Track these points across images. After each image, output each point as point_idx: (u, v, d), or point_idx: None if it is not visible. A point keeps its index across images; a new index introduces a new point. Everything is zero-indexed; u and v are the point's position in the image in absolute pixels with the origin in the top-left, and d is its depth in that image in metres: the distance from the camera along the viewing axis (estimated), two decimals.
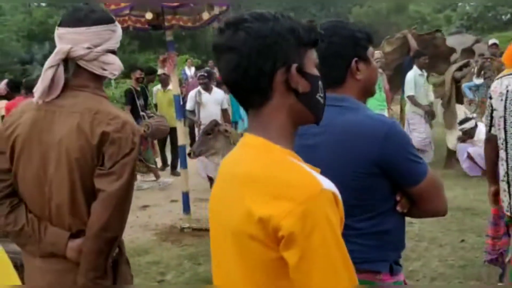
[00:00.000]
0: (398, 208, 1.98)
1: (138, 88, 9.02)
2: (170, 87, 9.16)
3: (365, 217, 1.93)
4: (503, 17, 30.12)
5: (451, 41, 17.91)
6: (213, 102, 8.43)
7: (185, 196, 6.45)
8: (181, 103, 8.24)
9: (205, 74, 8.59)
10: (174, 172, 9.72)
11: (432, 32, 11.82)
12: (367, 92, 2.08)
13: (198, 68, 10.50)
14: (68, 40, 2.10)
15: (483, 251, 4.35)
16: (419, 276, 4.62)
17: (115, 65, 2.17)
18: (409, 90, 8.91)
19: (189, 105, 8.51)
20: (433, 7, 33.77)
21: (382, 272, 1.95)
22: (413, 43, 10.07)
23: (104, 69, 2.15)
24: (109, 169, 2.05)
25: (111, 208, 2.04)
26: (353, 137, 1.91)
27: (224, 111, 8.53)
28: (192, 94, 8.54)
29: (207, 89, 8.42)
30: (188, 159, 6.46)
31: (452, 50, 11.46)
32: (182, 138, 6.53)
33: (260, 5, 39.19)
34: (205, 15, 5.57)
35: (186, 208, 6.46)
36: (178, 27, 6.20)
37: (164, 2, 5.48)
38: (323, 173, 1.94)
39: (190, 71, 15.97)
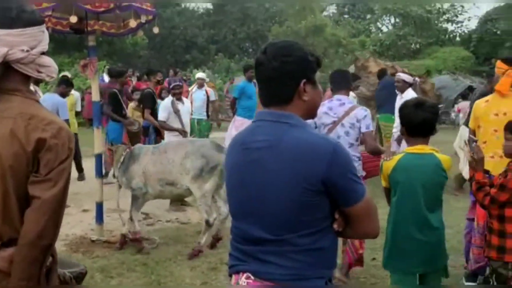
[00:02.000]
0: (335, 226, 2.03)
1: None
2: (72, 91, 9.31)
3: (304, 233, 1.97)
4: (412, 46, 31.72)
5: None
6: (186, 111, 8.44)
7: (99, 206, 6.25)
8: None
9: (181, 84, 8.54)
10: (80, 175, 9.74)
11: (423, 76, 12.18)
12: (310, 113, 2.13)
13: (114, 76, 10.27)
14: (4, 42, 1.99)
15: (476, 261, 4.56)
16: None
17: (51, 67, 2.09)
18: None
19: (162, 116, 8.16)
20: (348, 31, 34.98)
21: None
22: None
23: (40, 72, 2.06)
24: (44, 176, 1.97)
25: (47, 216, 1.96)
26: (302, 154, 1.95)
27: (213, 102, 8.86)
28: (166, 104, 8.25)
29: (180, 99, 8.34)
30: (103, 168, 6.28)
31: (440, 99, 11.74)
32: (98, 147, 6.35)
33: (180, 16, 39.08)
34: (132, 23, 5.48)
35: (99, 219, 6.27)
36: (101, 32, 6.06)
37: (88, 5, 5.32)
38: (267, 187, 1.98)
39: (108, 78, 15.58)
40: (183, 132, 8.05)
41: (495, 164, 4.10)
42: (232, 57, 35.63)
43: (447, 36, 32.79)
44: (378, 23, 38.93)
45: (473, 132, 4.76)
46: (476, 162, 3.71)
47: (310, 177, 1.93)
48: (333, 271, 2.13)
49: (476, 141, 3.86)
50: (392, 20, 36.25)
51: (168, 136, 8.16)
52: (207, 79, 13.58)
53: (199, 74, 11.94)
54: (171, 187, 5.90)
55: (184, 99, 8.65)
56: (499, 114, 4.51)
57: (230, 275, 2.15)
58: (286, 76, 2.04)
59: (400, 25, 32.85)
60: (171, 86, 8.45)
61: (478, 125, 4.70)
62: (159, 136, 8.65)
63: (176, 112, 8.10)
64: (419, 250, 3.41)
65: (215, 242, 6.00)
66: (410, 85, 8.23)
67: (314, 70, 2.10)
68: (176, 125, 8.12)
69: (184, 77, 20.40)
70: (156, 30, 5.66)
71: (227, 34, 39.61)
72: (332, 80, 5.02)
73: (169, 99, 8.32)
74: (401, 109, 3.52)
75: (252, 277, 2.03)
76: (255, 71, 2.12)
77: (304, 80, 2.05)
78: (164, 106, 8.23)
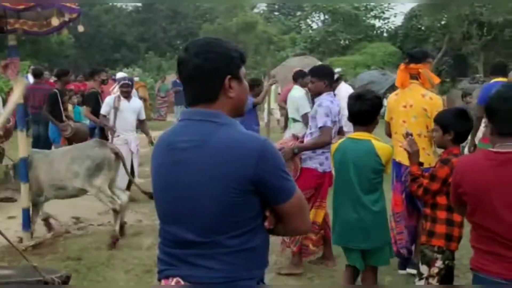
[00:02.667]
0: (266, 224, 2.00)
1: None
2: None
3: (235, 234, 1.93)
4: (341, 42, 32.38)
5: (295, 62, 18.77)
6: (131, 110, 8.15)
7: (25, 212, 6.01)
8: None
9: (129, 83, 8.31)
10: None
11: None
12: (237, 110, 2.08)
13: (37, 76, 9.92)
14: None
15: (398, 247, 4.85)
16: None
17: None
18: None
19: (104, 110, 8.12)
20: (279, 28, 35.31)
21: None
22: None
23: None
24: None
25: None
26: (230, 153, 1.90)
27: (142, 121, 8.41)
28: (109, 100, 8.18)
29: (128, 97, 8.14)
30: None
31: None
32: (23, 150, 6.09)
33: (108, 14, 38.23)
34: (54, 21, 5.26)
35: (26, 225, 6.02)
36: (23, 31, 5.80)
37: (7, 3, 5.07)
38: (195, 188, 1.92)
39: (32, 79, 15.01)
40: (111, 131, 7.96)
41: (403, 153, 4.22)
42: (163, 55, 35.19)
43: (374, 32, 33.69)
44: (308, 20, 39.50)
45: (388, 124, 5.06)
46: (411, 155, 3.85)
47: (239, 176, 1.88)
48: (265, 270, 2.09)
49: (411, 134, 3.98)
50: (322, 17, 36.89)
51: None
52: (137, 78, 13.36)
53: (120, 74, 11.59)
54: (64, 190, 6.29)
55: (134, 98, 8.55)
56: (407, 106, 4.85)
57: (159, 280, 2.07)
58: (209, 73, 1.98)
59: (330, 21, 33.47)
60: (120, 83, 8.39)
61: (391, 117, 5.02)
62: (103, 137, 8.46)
63: (115, 108, 7.99)
64: (354, 228, 3.86)
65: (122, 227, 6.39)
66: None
67: (239, 66, 2.04)
68: (113, 123, 8.03)
69: (114, 76, 19.95)
70: (81, 28, 5.47)
71: (157, 32, 39.08)
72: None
73: (113, 96, 8.34)
74: (348, 99, 3.99)
75: (182, 282, 1.96)
76: (178, 70, 2.05)
77: (229, 76, 2.00)
78: (107, 102, 8.23)
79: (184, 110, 2.10)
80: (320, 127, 4.83)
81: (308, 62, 15.89)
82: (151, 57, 34.11)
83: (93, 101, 8.68)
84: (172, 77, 21.45)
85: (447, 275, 3.74)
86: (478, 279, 2.64)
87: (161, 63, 32.80)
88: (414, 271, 4.41)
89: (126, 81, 8.38)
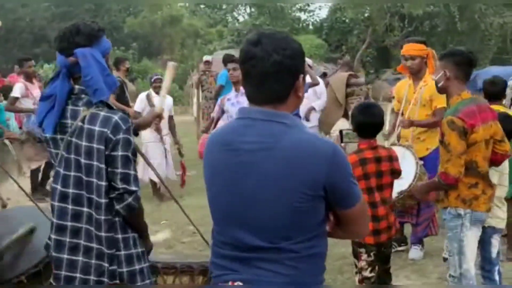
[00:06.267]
0: (328, 228, 1.93)
1: None
2: None
3: (301, 240, 1.84)
4: None
5: (222, 55, 18.47)
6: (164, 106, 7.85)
7: None
8: None
9: (161, 77, 8.05)
10: None
11: None
12: (295, 110, 1.96)
13: None
14: None
15: None
16: None
17: None
18: None
19: (138, 107, 8.01)
20: (206, 21, 35.00)
21: None
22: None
23: None
24: None
25: None
26: (301, 157, 1.80)
27: (170, 118, 8.18)
28: (142, 96, 8.16)
29: (158, 93, 7.79)
30: None
31: None
32: None
33: (25, 7, 36.67)
34: None
35: None
36: None
37: None
38: (263, 192, 1.81)
39: None
40: (157, 129, 7.85)
41: None
42: None
43: (300, 25, 33.99)
44: (234, 13, 39.37)
45: None
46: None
47: (310, 181, 1.81)
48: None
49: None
50: (248, 10, 36.87)
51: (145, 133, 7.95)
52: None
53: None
54: None
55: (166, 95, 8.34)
56: None
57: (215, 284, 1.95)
58: (285, 71, 1.85)
59: (256, 14, 33.47)
60: (152, 79, 8.37)
61: None
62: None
63: (151, 106, 7.79)
64: None
65: None
66: None
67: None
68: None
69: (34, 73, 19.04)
70: None
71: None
72: None
73: (145, 92, 8.33)
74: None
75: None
76: (244, 65, 1.88)
77: (301, 75, 1.89)
78: (140, 99, 8.17)
79: (244, 108, 1.94)
80: None
81: (236, 55, 15.75)
82: None
83: (119, 89, 8.30)
84: None
85: (383, 264, 3.87)
86: None
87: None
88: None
89: (159, 76, 8.30)
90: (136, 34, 34.63)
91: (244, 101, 5.53)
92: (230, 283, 1.89)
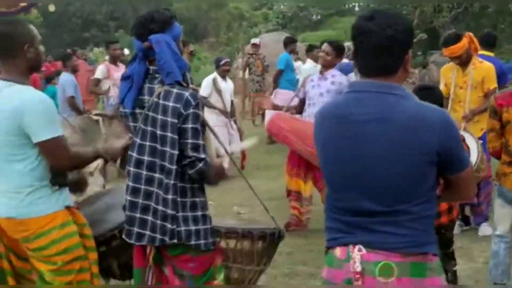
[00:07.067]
0: (438, 192, 2.10)
1: None
2: None
3: (418, 202, 1.99)
4: (313, 17, 32.24)
5: (269, 37, 18.56)
6: (228, 91, 8.15)
7: None
8: None
9: (229, 61, 8.27)
10: None
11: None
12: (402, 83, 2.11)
13: None
14: None
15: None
16: None
17: None
18: None
19: (205, 92, 7.91)
20: (251, 4, 34.97)
21: (430, 252, 2.04)
22: None
23: None
24: None
25: None
26: (415, 125, 1.96)
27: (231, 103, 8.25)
28: (208, 81, 8.08)
29: (225, 77, 8.08)
30: None
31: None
32: None
33: None
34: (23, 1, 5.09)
35: None
36: None
37: None
38: (381, 161, 2.00)
39: None
40: (225, 113, 7.93)
41: None
42: None
43: (346, 6, 33.57)
44: None
45: None
46: None
47: (426, 147, 1.96)
48: None
49: None
50: None
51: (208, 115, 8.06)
52: (107, 57, 12.81)
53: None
54: None
55: (227, 79, 8.41)
56: None
57: (331, 247, 2.09)
58: (397, 45, 2.01)
59: None
60: (221, 63, 8.23)
61: None
62: None
63: (217, 90, 7.90)
64: None
65: None
66: None
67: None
68: (219, 104, 7.97)
69: (84, 56, 19.58)
70: (52, 8, 5.35)
71: (127, 11, 38.34)
72: None
73: (210, 76, 8.18)
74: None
75: (363, 249, 2.00)
76: (357, 39, 2.06)
77: (410, 50, 2.05)
78: (207, 84, 8.08)
79: (356, 81, 2.12)
80: None
81: (280, 38, 15.75)
82: (121, 35, 33.52)
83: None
84: None
85: (443, 247, 3.90)
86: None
87: (132, 41, 32.24)
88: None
89: (228, 60, 8.41)
90: (182, 17, 34.95)
91: (324, 86, 5.68)
92: (350, 246, 2.01)
